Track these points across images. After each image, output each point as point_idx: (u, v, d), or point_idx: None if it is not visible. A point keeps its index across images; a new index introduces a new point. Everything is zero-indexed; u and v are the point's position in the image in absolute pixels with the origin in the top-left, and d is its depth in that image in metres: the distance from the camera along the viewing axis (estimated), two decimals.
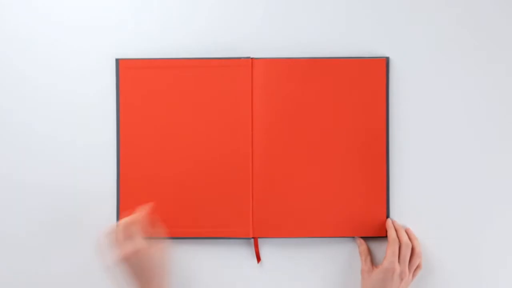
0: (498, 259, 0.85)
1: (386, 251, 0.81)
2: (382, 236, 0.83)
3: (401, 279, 0.79)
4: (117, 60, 0.84)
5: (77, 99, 0.85)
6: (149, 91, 0.84)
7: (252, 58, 0.83)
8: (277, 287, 0.85)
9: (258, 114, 0.83)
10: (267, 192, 0.84)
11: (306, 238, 0.84)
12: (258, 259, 0.84)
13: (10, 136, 0.85)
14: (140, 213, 0.80)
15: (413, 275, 0.82)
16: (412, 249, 0.82)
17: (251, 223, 0.83)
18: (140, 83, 0.84)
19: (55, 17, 0.85)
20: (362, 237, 0.84)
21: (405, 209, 0.84)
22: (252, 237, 0.84)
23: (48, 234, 0.84)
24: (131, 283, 0.76)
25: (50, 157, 0.85)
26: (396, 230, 0.82)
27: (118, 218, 0.83)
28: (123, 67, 0.84)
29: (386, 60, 0.84)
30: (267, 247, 0.84)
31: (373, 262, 0.83)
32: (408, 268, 0.81)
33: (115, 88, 0.84)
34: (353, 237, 0.84)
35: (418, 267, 0.82)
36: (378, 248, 0.84)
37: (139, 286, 0.76)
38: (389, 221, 0.83)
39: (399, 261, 0.80)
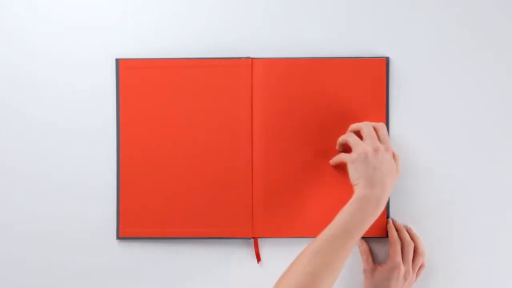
0: (499, 258, 0.84)
1: (388, 251, 0.81)
2: (382, 236, 0.83)
3: (405, 279, 0.79)
4: (117, 60, 0.84)
5: (77, 99, 0.85)
6: (149, 91, 0.84)
7: (252, 58, 0.83)
8: None
9: (258, 114, 0.83)
10: (267, 192, 0.83)
11: (306, 238, 0.83)
12: (258, 259, 0.84)
13: (11, 135, 0.85)
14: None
15: (417, 275, 0.82)
16: (415, 249, 0.82)
17: (251, 223, 0.83)
18: (140, 83, 0.84)
19: (55, 17, 0.85)
20: (362, 237, 0.83)
21: (405, 209, 0.84)
22: (252, 237, 0.84)
23: (47, 233, 0.85)
24: (357, 182, 0.77)
25: (50, 157, 0.85)
26: (397, 230, 0.82)
27: (118, 218, 0.84)
28: (123, 67, 0.84)
29: (386, 60, 0.84)
30: (267, 247, 0.84)
31: (374, 261, 0.83)
32: (412, 267, 0.81)
33: (115, 88, 0.84)
34: None
35: (421, 266, 0.82)
36: (379, 247, 0.84)
37: (364, 187, 0.76)
38: (389, 222, 0.83)
39: (403, 261, 0.80)
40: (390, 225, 0.82)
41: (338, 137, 0.83)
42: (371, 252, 0.84)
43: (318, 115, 0.84)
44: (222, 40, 0.84)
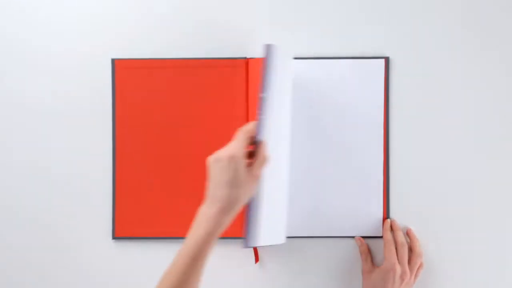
0: (498, 259, 0.84)
1: (384, 253, 0.81)
2: (379, 236, 0.83)
3: (402, 280, 0.79)
4: (113, 60, 0.84)
5: (73, 99, 0.85)
6: (145, 91, 0.84)
7: (247, 58, 0.82)
8: (277, 287, 0.85)
9: (254, 114, 0.82)
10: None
11: (306, 238, 0.83)
12: (257, 259, 0.83)
13: (8, 136, 0.85)
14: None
15: (416, 276, 0.81)
16: (412, 249, 0.81)
17: None
18: (135, 83, 0.84)
19: (52, 18, 0.85)
20: (362, 237, 0.83)
21: (405, 209, 0.84)
22: None
23: (43, 233, 0.85)
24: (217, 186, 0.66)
25: (46, 158, 0.85)
26: (393, 231, 0.82)
27: (113, 218, 0.84)
28: (119, 67, 0.84)
29: (386, 60, 0.83)
30: (267, 247, 0.84)
31: (373, 262, 0.83)
32: (410, 268, 0.80)
33: (111, 88, 0.84)
34: (353, 237, 0.84)
35: (420, 267, 0.82)
36: (378, 248, 0.84)
37: (218, 192, 0.65)
38: (386, 223, 0.82)
39: (398, 262, 0.79)
40: (385, 226, 0.82)
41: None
42: (370, 252, 0.83)
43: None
44: (219, 40, 0.84)
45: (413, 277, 0.81)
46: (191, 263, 0.64)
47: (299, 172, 0.83)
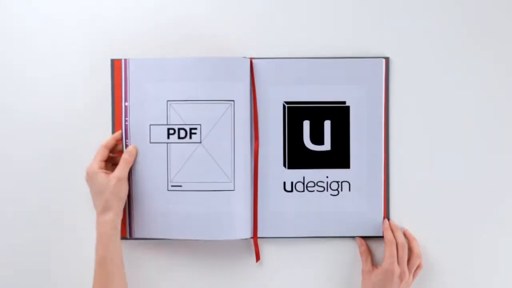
0: (497, 258, 0.85)
1: (384, 253, 0.81)
2: (382, 236, 0.83)
3: (401, 280, 0.79)
4: (112, 61, 0.82)
5: (73, 100, 0.84)
6: None
7: (250, 58, 0.82)
8: (277, 287, 0.85)
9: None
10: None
11: (307, 238, 0.84)
12: (258, 258, 0.83)
13: (9, 137, 0.84)
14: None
15: (414, 276, 0.82)
16: (411, 250, 0.82)
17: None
18: None
19: (52, 17, 0.84)
20: (362, 237, 0.84)
21: (405, 209, 0.84)
22: (252, 237, 0.83)
23: (44, 234, 0.84)
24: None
25: (47, 158, 0.84)
26: (392, 231, 0.82)
27: None
28: (118, 67, 0.82)
29: (386, 60, 0.83)
30: (267, 247, 0.84)
31: (373, 262, 0.83)
32: (408, 268, 0.80)
33: (111, 88, 0.83)
34: (353, 237, 0.84)
35: (418, 267, 0.82)
36: (378, 248, 0.84)
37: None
38: (385, 223, 0.83)
39: (398, 262, 0.80)
40: (386, 226, 0.82)
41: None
42: (371, 253, 0.84)
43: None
44: (220, 40, 0.83)
45: (411, 277, 0.81)
46: (100, 265, 0.76)
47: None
